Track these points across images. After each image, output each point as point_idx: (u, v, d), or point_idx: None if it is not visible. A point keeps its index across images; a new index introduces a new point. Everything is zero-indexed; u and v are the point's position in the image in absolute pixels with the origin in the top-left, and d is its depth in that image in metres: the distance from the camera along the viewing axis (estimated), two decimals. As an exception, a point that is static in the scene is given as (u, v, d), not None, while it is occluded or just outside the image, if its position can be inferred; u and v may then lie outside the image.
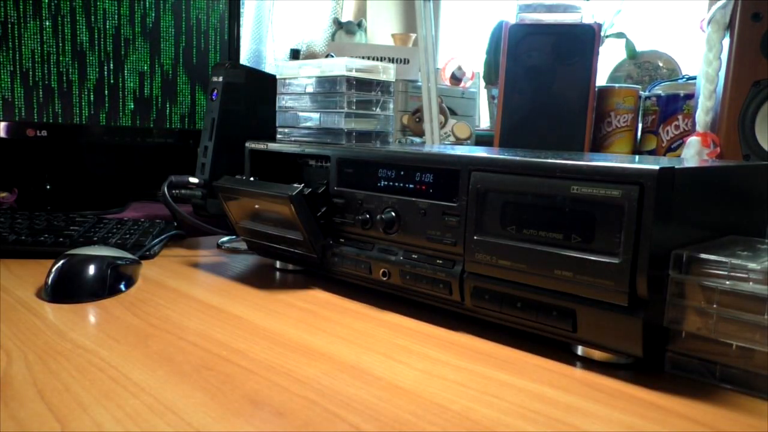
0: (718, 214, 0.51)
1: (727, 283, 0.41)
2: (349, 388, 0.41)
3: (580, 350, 0.47)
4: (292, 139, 0.75)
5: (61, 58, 0.89)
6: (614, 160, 0.47)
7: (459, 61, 1.30)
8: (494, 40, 1.12)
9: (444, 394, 0.40)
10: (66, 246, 0.70)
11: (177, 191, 0.81)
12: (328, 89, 0.71)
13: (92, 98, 0.92)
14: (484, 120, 1.39)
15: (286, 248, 0.66)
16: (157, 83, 0.96)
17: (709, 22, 0.79)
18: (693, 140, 0.80)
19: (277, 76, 0.76)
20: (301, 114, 0.74)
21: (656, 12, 1.23)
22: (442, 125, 1.07)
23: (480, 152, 0.56)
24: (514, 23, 0.94)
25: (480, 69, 1.22)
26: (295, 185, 0.63)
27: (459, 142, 1.11)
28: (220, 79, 0.85)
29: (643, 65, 1.12)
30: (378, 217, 0.58)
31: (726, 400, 0.41)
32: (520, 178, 0.47)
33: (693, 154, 0.79)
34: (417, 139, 1.09)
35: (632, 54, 1.12)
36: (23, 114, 0.88)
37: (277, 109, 0.77)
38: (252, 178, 0.72)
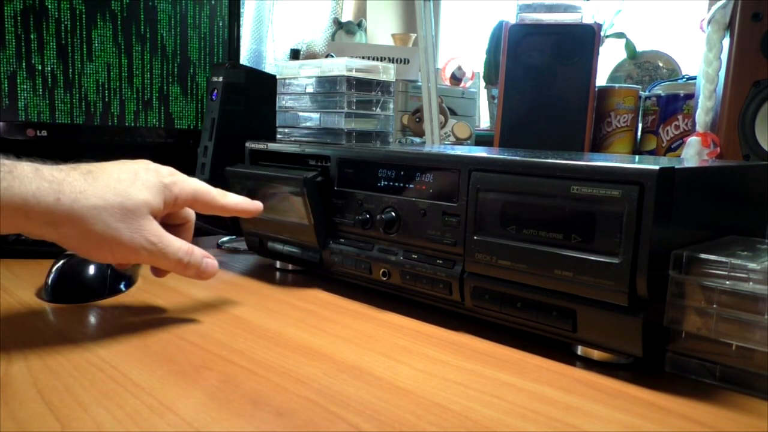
0: (718, 214, 0.51)
1: (727, 283, 0.41)
2: (349, 388, 0.41)
3: (580, 350, 0.47)
4: (292, 139, 0.75)
5: (60, 58, 0.89)
6: (614, 160, 0.47)
7: (459, 61, 1.30)
8: (494, 40, 1.11)
9: (444, 394, 0.40)
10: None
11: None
12: (328, 89, 0.71)
13: (92, 98, 0.92)
14: (484, 120, 1.39)
15: (289, 237, 0.66)
16: (157, 83, 0.96)
17: (709, 22, 0.79)
18: (693, 140, 0.80)
19: (277, 76, 0.76)
20: (301, 114, 0.74)
21: (656, 12, 1.23)
22: (442, 125, 1.07)
23: (480, 152, 0.56)
24: (514, 23, 0.94)
25: (480, 69, 1.22)
26: (310, 171, 0.63)
27: (459, 142, 1.11)
28: (220, 79, 0.85)
29: (643, 65, 1.12)
30: (378, 217, 0.58)
31: (726, 400, 0.41)
32: (520, 178, 0.47)
33: (693, 154, 0.79)
34: (417, 139, 1.09)
35: (632, 54, 1.12)
36: (23, 114, 0.88)
37: (277, 109, 0.77)
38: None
